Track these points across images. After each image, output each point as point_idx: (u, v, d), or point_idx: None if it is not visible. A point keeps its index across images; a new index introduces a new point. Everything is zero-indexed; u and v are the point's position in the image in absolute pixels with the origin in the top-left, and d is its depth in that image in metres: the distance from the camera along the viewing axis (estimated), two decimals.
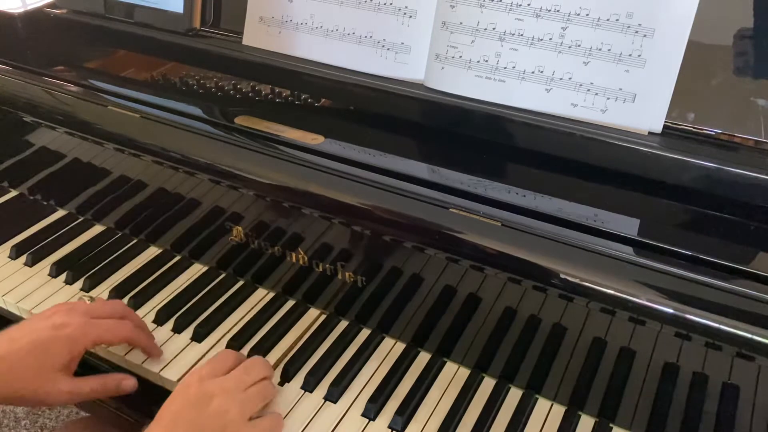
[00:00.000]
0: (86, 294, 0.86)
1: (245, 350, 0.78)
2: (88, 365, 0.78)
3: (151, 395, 0.75)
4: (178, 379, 0.74)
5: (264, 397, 0.68)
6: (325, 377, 0.75)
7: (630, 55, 0.67)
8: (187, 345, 0.79)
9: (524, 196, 0.68)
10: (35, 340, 0.68)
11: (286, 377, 0.75)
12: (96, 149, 0.87)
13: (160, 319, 0.82)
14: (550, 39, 0.70)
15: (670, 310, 0.57)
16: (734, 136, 0.66)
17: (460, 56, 0.74)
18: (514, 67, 0.72)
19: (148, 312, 0.83)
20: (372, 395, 0.73)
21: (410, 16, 0.77)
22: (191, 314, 0.83)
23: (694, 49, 0.65)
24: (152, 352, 0.76)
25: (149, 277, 0.89)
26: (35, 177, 1.01)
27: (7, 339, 0.69)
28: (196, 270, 0.90)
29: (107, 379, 0.72)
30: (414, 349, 0.78)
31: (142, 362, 0.76)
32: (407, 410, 0.71)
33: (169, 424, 0.61)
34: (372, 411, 0.71)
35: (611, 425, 0.69)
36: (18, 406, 0.87)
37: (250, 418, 0.65)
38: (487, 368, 0.75)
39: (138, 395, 0.74)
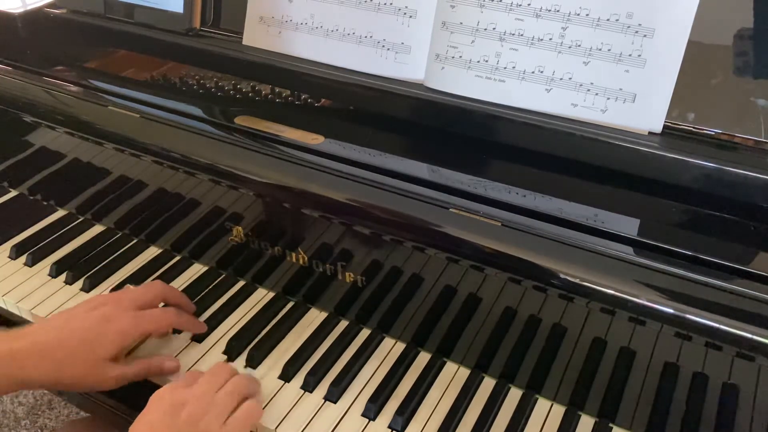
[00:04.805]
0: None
1: (245, 350, 0.78)
2: None
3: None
4: None
5: (239, 393, 0.68)
6: (325, 377, 0.75)
7: (630, 55, 0.67)
8: (187, 345, 0.79)
9: (524, 196, 0.68)
10: (86, 331, 0.69)
11: (286, 377, 0.75)
12: (96, 149, 0.87)
13: None
14: (550, 39, 0.70)
15: (670, 310, 0.57)
16: (734, 136, 0.66)
17: (460, 56, 0.74)
18: (514, 67, 0.72)
19: None
20: (372, 395, 0.73)
21: (410, 16, 0.77)
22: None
23: (694, 49, 0.65)
24: (195, 329, 0.79)
25: (149, 277, 0.89)
26: (35, 177, 1.01)
27: (53, 327, 0.70)
28: (196, 270, 0.90)
29: (151, 362, 0.74)
30: (414, 349, 0.78)
31: None
32: (407, 410, 0.71)
33: None
34: (372, 411, 0.71)
35: (611, 425, 0.69)
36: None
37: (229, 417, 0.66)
38: (487, 368, 0.75)
39: (138, 396, 0.74)
